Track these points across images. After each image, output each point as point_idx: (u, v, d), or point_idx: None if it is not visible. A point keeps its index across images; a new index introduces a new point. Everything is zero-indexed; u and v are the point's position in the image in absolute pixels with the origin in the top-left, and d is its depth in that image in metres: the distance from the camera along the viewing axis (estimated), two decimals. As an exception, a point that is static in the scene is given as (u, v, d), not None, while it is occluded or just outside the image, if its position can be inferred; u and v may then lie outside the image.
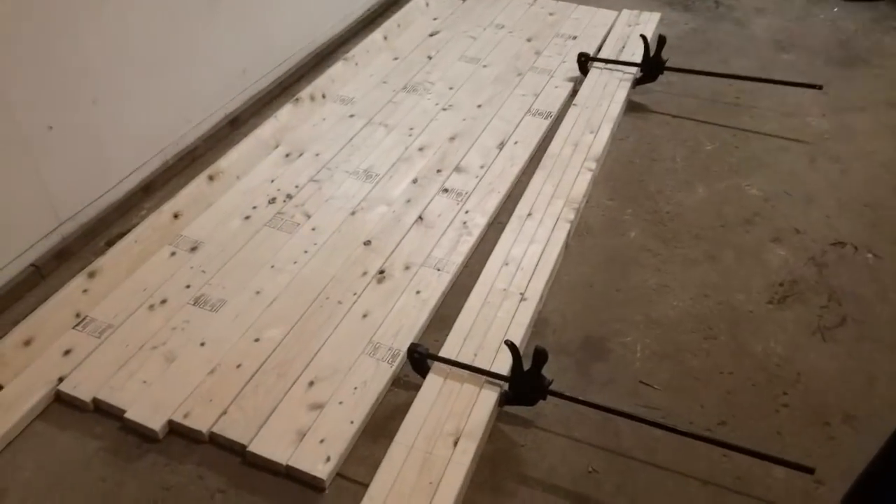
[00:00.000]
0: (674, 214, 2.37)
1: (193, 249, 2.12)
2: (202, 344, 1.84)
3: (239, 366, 1.79)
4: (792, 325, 2.01)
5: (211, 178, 2.32)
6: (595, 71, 2.96)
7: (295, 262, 2.08)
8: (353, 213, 2.27)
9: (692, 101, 2.90)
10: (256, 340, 1.86)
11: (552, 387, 1.69)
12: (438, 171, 2.45)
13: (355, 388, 1.74)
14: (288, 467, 1.59)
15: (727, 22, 3.50)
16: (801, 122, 2.80)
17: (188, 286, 2.00)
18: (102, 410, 1.73)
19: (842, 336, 1.98)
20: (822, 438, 1.73)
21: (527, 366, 1.67)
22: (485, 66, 3.02)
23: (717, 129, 2.77)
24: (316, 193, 2.34)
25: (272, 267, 2.07)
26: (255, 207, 2.28)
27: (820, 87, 2.80)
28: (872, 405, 1.80)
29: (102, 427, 1.72)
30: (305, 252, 2.12)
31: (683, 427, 1.70)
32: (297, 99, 2.69)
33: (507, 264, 2.06)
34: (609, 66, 2.97)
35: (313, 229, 2.20)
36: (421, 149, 2.55)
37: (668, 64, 2.85)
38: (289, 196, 2.32)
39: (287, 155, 2.50)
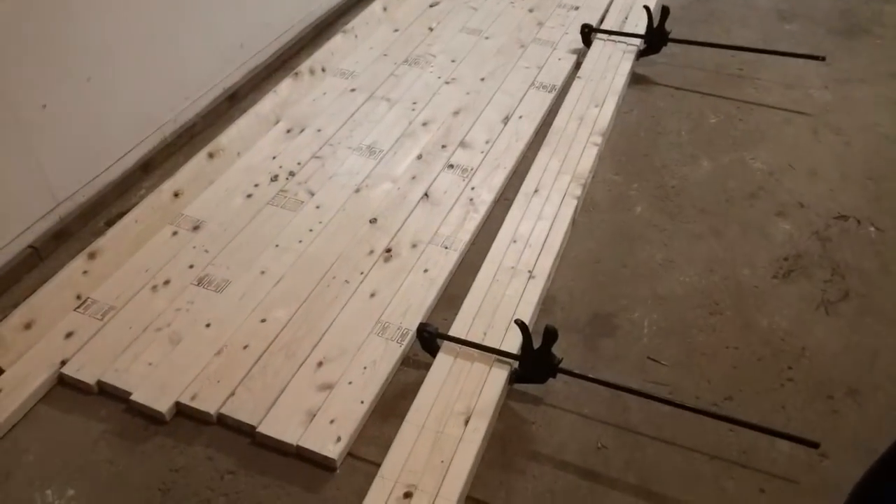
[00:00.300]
0: (679, 189, 2.36)
1: (195, 229, 2.10)
2: (208, 325, 1.83)
3: (246, 346, 1.78)
4: (796, 299, 2.01)
5: (211, 155, 2.28)
6: (598, 42, 2.92)
7: (300, 241, 2.06)
8: (357, 191, 2.24)
9: (696, 73, 2.87)
10: (263, 321, 1.84)
11: (561, 364, 1.69)
12: (443, 146, 2.42)
13: (364, 368, 1.74)
14: (298, 448, 1.59)
15: (730, -10, 3.45)
16: (803, 94, 2.78)
17: (191, 266, 1.98)
18: (107, 393, 1.72)
19: (845, 310, 1.99)
20: (826, 412, 1.74)
21: (536, 344, 1.67)
22: (487, 38, 2.97)
23: (720, 101, 2.74)
24: (319, 170, 2.31)
25: (277, 246, 2.05)
26: (257, 185, 2.24)
27: (823, 59, 2.78)
28: (875, 379, 1.81)
29: (107, 410, 1.71)
30: (310, 231, 2.09)
31: (690, 402, 1.71)
32: (296, 73, 2.64)
33: (514, 241, 2.05)
34: (612, 37, 2.93)
35: (317, 207, 2.17)
36: (425, 124, 2.51)
37: (671, 35, 2.81)
38: (291, 173, 2.29)
39: (288, 131, 2.46)
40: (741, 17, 3.26)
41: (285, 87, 2.58)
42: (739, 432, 1.67)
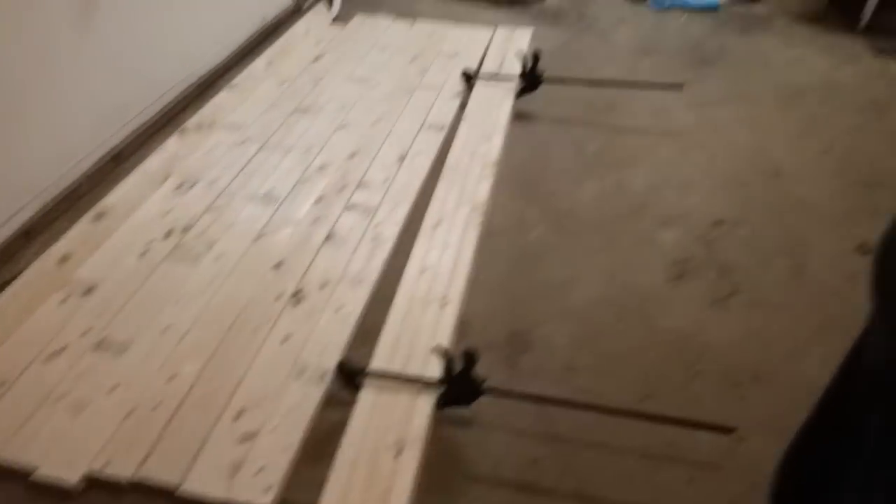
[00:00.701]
0: (571, 210, 2.49)
1: (88, 292, 1.96)
2: (112, 389, 1.70)
3: (156, 406, 1.66)
4: (691, 299, 2.15)
5: (99, 216, 2.17)
6: (480, 85, 3.06)
7: (203, 294, 1.98)
8: (258, 238, 2.19)
9: (572, 107, 3.07)
10: (172, 378, 1.74)
11: (485, 384, 1.70)
12: (342, 188, 2.42)
13: (286, 413, 1.67)
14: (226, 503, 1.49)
15: (592, 33, 3.75)
16: (669, 118, 3.04)
17: (88, 331, 1.85)
18: (6, 475, 1.55)
19: (735, 304, 2.14)
20: (735, 399, 1.85)
21: (458, 367, 1.67)
22: (374, 86, 3.04)
23: (597, 130, 2.94)
24: (216, 222, 2.24)
25: (178, 301, 1.95)
26: (150, 242, 2.14)
27: (681, 87, 3.05)
28: (773, 363, 1.95)
29: (7, 492, 1.53)
30: (212, 283, 2.02)
31: (612, 405, 1.77)
32: (183, 129, 2.58)
33: (424, 271, 2.07)
34: (492, 80, 3.09)
35: (217, 258, 2.10)
36: (321, 168, 2.51)
37: (545, 74, 3.00)
38: (186, 227, 2.21)
39: (179, 186, 2.38)
40: (605, 54, 3.54)
41: (173, 144, 2.51)
42: (661, 428, 1.73)
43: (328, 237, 2.21)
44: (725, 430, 1.69)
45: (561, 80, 3.07)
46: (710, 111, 3.10)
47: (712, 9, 4.05)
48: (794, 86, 3.33)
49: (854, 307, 0.77)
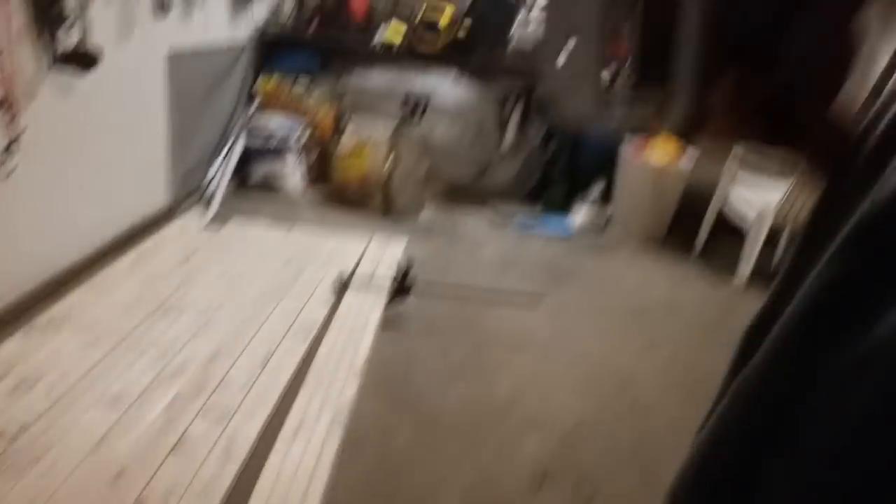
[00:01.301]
0: (437, 416, 2.50)
1: None
2: None
3: None
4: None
5: (-89, 421, 1.93)
6: (352, 291, 3.16)
7: (22, 512, 1.75)
8: (98, 446, 2.01)
9: (441, 313, 3.21)
10: None
11: None
12: (198, 391, 2.32)
13: None
14: None
15: (462, 246, 4.06)
16: (529, 328, 3.23)
17: None
18: None
19: (597, 506, 2.16)
20: None
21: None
22: (243, 289, 3.06)
23: (464, 336, 3.06)
24: (52, 427, 2.04)
25: (-9, 523, 1.71)
26: (-29, 452, 1.91)
27: (540, 300, 3.31)
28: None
29: None
30: (35, 499, 1.80)
31: None
32: (31, 326, 2.43)
33: (278, 483, 1.96)
34: (365, 286, 3.20)
35: (49, 468, 1.89)
36: (177, 371, 2.41)
37: (416, 281, 3.16)
38: (17, 433, 2.00)
39: (16, 387, 2.19)
40: (473, 266, 3.81)
41: (15, 343, 2.35)
42: None
43: (177, 444, 2.07)
44: None
45: (431, 288, 3.24)
46: (567, 322, 3.34)
47: (565, 237, 4.53)
48: (640, 303, 3.69)
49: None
